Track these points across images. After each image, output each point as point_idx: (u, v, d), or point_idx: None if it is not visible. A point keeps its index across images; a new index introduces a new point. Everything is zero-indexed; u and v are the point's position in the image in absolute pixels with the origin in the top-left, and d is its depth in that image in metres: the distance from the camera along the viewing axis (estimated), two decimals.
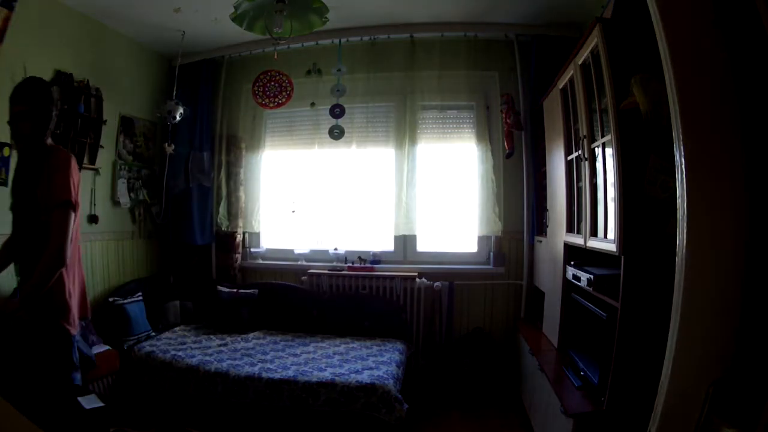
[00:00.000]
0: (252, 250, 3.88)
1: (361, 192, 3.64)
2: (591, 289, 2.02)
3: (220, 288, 3.47)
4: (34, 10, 2.62)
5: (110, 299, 3.07)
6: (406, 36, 3.45)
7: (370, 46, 3.55)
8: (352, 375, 2.50)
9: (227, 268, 3.76)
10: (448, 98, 3.51)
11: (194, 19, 3.20)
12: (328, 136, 3.49)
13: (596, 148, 2.08)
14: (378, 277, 3.41)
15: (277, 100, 3.47)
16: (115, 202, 3.36)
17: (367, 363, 2.69)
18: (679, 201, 1.27)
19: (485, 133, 3.45)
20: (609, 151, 1.90)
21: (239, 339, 3.11)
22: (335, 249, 3.65)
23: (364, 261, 3.56)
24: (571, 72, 2.30)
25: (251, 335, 3.21)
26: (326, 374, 2.51)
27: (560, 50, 2.86)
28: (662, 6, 1.29)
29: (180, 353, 2.78)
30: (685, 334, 1.24)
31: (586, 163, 2.15)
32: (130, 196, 3.47)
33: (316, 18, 2.37)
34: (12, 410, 1.09)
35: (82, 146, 2.98)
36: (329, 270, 3.53)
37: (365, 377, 2.46)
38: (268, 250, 3.87)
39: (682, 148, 1.24)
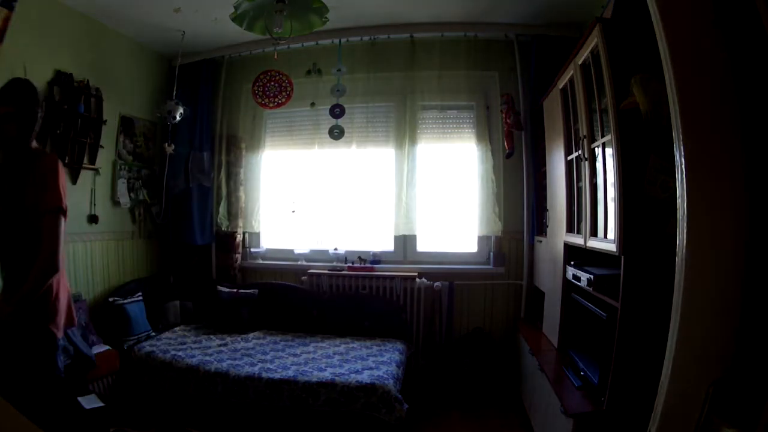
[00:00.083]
0: (252, 250, 3.88)
1: (361, 192, 3.64)
2: (591, 289, 2.02)
3: (220, 288, 3.47)
4: (34, 10, 2.62)
5: (110, 299, 3.07)
6: (406, 36, 3.45)
7: (370, 46, 3.55)
8: (352, 375, 2.50)
9: (227, 268, 3.76)
10: (448, 98, 3.51)
11: (194, 19, 3.20)
12: (328, 136, 3.49)
13: (596, 148, 2.08)
14: (378, 277, 3.41)
15: (277, 100, 3.47)
16: (115, 202, 3.36)
17: (367, 363, 2.69)
18: (679, 201, 1.27)
19: (485, 133, 3.45)
20: (609, 151, 1.90)
21: (239, 339, 3.11)
22: (335, 249, 3.65)
23: (364, 261, 3.56)
24: (571, 72, 2.30)
25: (251, 335, 3.21)
26: (326, 374, 2.51)
27: (560, 50, 2.86)
28: (662, 6, 1.29)
29: (180, 353, 2.78)
30: (685, 334, 1.24)
31: (586, 163, 2.15)
32: (130, 196, 3.47)
33: (316, 18, 2.37)
34: (12, 410, 1.09)
35: (82, 146, 2.98)
36: (329, 270, 3.53)
37: (365, 377, 2.46)
38: (268, 250, 3.87)
39: (682, 148, 1.25)
